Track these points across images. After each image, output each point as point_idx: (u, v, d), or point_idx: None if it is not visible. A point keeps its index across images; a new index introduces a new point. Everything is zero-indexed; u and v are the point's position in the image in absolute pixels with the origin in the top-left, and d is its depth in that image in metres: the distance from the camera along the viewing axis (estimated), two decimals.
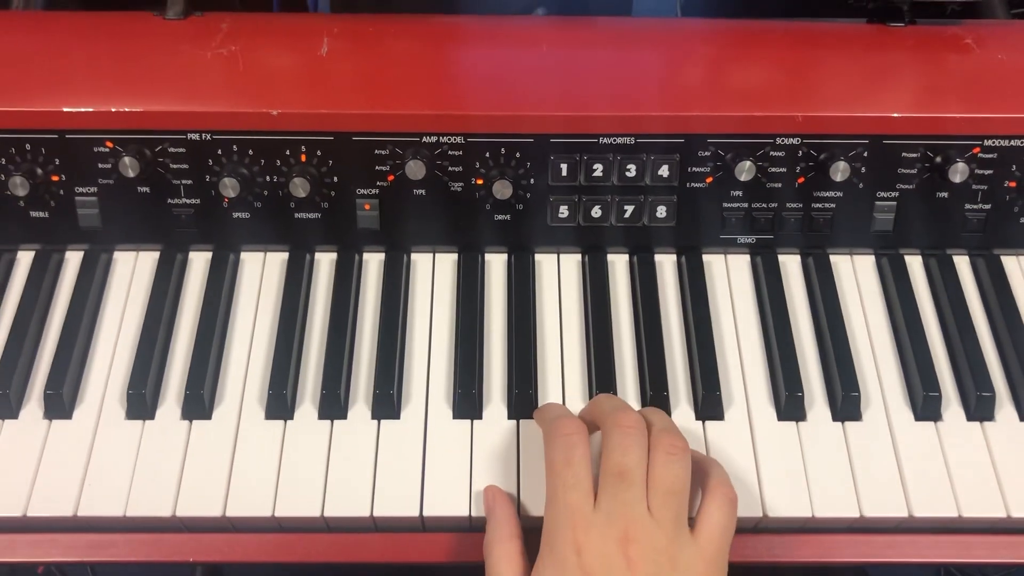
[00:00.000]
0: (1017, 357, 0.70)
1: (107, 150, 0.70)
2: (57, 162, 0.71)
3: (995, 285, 0.74)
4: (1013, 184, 0.72)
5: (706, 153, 0.71)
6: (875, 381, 0.70)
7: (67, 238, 0.75)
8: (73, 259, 0.75)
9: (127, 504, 0.63)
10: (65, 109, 0.68)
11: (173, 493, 0.64)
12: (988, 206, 0.73)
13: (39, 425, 0.67)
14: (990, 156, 0.71)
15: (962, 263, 0.76)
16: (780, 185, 0.72)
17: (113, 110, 0.69)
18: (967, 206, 0.73)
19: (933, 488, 0.64)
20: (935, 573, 1.37)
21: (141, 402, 0.67)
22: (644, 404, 0.68)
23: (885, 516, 0.64)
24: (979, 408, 0.67)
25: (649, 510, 0.55)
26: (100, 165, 0.71)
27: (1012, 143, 0.70)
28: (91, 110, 0.68)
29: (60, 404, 0.67)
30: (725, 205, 0.73)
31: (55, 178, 0.71)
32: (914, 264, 0.76)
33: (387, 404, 0.67)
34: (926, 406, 0.67)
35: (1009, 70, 0.73)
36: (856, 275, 0.75)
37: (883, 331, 0.72)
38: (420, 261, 0.76)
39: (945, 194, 0.73)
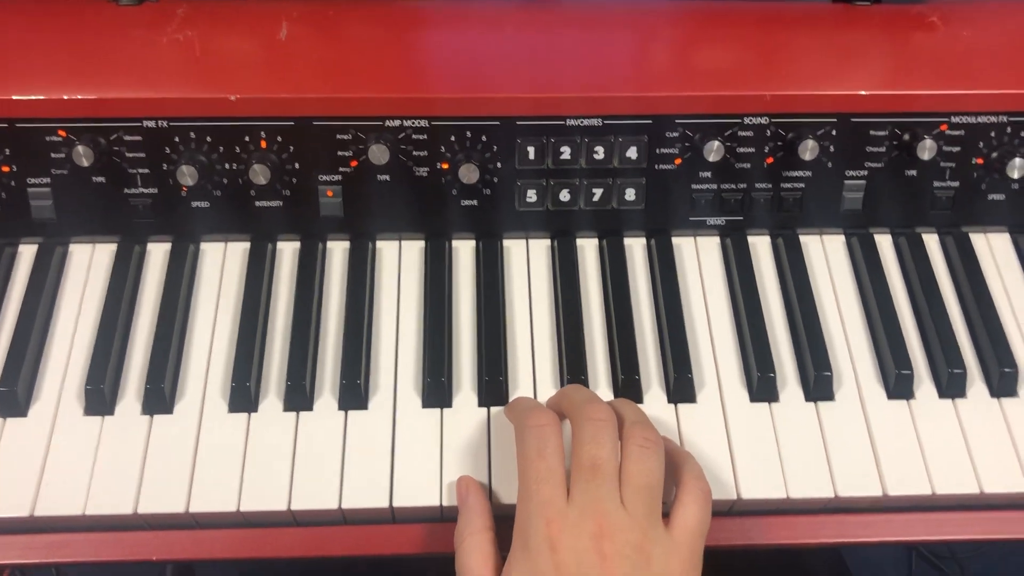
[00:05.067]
0: (987, 334, 0.70)
1: (60, 139, 0.68)
2: (7, 152, 0.68)
3: (964, 262, 0.74)
4: (980, 161, 0.72)
5: (674, 134, 0.70)
6: (847, 360, 0.69)
7: (20, 231, 0.72)
8: (27, 252, 0.73)
9: (86, 503, 0.61)
10: (15, 97, 0.66)
11: (134, 490, 0.62)
12: (956, 183, 0.73)
13: None
14: (957, 133, 0.71)
15: (931, 241, 0.76)
16: (749, 165, 0.72)
17: (65, 98, 0.66)
18: (935, 183, 0.73)
19: (906, 466, 0.64)
20: (907, 553, 1.38)
21: (100, 397, 0.65)
22: (616, 388, 0.67)
23: (859, 496, 0.63)
24: (951, 385, 0.67)
25: (623, 503, 0.54)
26: (53, 155, 0.69)
27: (979, 120, 0.70)
28: (42, 98, 0.66)
29: (14, 401, 0.65)
30: (694, 187, 0.73)
31: (6, 169, 0.69)
32: (884, 243, 0.76)
33: (354, 394, 0.66)
34: (898, 384, 0.67)
35: (974, 47, 0.73)
36: (826, 254, 0.75)
37: (854, 310, 0.72)
38: (386, 249, 0.74)
39: (913, 172, 0.73)
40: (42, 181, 0.70)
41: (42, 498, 0.62)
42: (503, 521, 0.60)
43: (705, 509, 0.57)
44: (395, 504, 0.62)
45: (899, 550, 1.40)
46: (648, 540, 0.53)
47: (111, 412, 0.65)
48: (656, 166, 0.71)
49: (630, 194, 0.72)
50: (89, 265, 0.73)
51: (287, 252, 0.74)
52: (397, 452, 0.64)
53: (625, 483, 0.55)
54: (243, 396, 0.65)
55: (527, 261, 0.74)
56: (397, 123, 0.69)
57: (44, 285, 0.70)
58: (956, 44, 0.73)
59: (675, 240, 0.75)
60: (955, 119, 0.70)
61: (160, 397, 0.65)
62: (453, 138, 0.69)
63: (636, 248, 0.75)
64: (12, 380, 0.65)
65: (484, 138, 0.70)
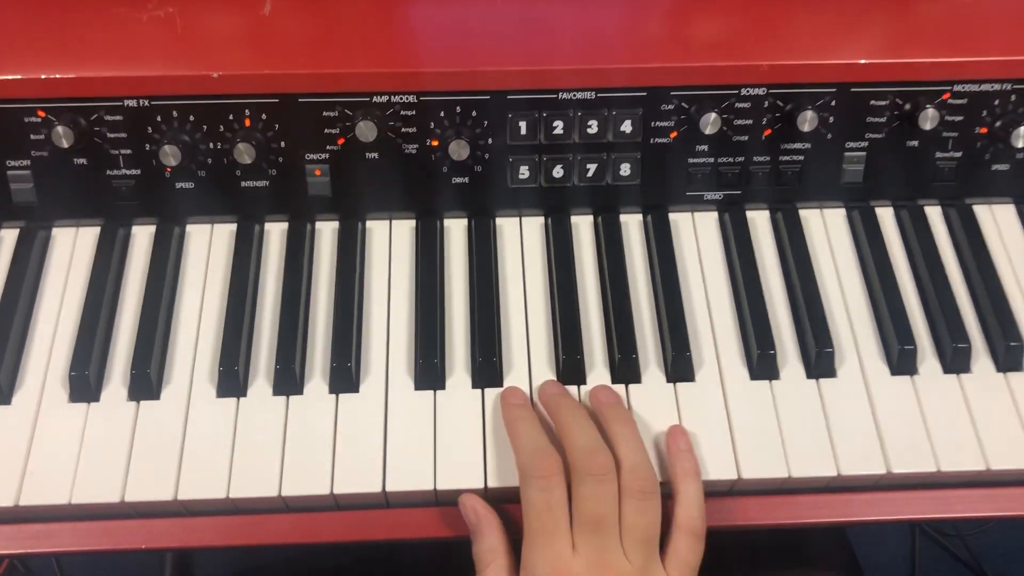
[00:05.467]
0: (992, 307, 0.68)
1: (39, 120, 0.66)
2: None
3: (968, 235, 0.72)
4: (984, 130, 0.70)
5: (670, 106, 0.68)
6: (849, 336, 0.68)
7: (0, 215, 0.71)
8: (8, 237, 0.71)
9: (72, 491, 0.60)
10: None
11: (121, 478, 0.61)
12: (959, 154, 0.71)
13: None
14: (960, 102, 0.69)
15: (934, 214, 0.74)
16: (746, 138, 0.70)
17: (43, 77, 0.65)
18: (938, 154, 0.71)
19: (911, 443, 0.63)
20: (911, 529, 1.37)
21: (85, 384, 0.64)
22: (612, 368, 0.66)
23: (863, 474, 0.62)
24: (955, 360, 0.66)
25: (624, 554, 0.56)
26: (32, 136, 0.67)
27: (982, 87, 0.68)
28: (19, 77, 0.65)
29: None
30: (691, 160, 0.71)
31: None
32: (885, 216, 0.74)
33: (345, 377, 0.64)
34: (901, 360, 0.66)
35: (978, 13, 0.71)
36: (827, 229, 0.73)
37: (856, 285, 0.70)
38: (376, 229, 0.73)
39: (915, 142, 0.71)
40: (22, 163, 0.68)
41: (27, 487, 0.60)
42: (498, 503, 0.59)
43: (699, 546, 0.59)
44: (388, 489, 0.60)
45: (902, 527, 1.39)
46: None
47: (96, 399, 0.64)
48: (651, 140, 0.70)
49: (625, 169, 0.71)
50: (72, 249, 0.71)
51: (275, 233, 0.72)
52: (390, 436, 0.63)
53: (626, 533, 0.57)
54: (231, 381, 0.64)
55: (520, 239, 0.73)
56: (385, 99, 0.67)
57: (26, 270, 0.69)
58: (959, 10, 0.71)
59: (672, 216, 0.73)
60: (958, 87, 0.68)
61: (146, 383, 0.64)
62: (442, 114, 0.68)
63: (632, 224, 0.73)
64: None
65: (474, 113, 0.68)
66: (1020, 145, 0.69)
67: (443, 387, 0.65)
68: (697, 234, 0.73)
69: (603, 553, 0.56)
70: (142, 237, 0.72)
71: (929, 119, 0.68)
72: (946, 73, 0.68)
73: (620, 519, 0.57)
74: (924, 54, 0.68)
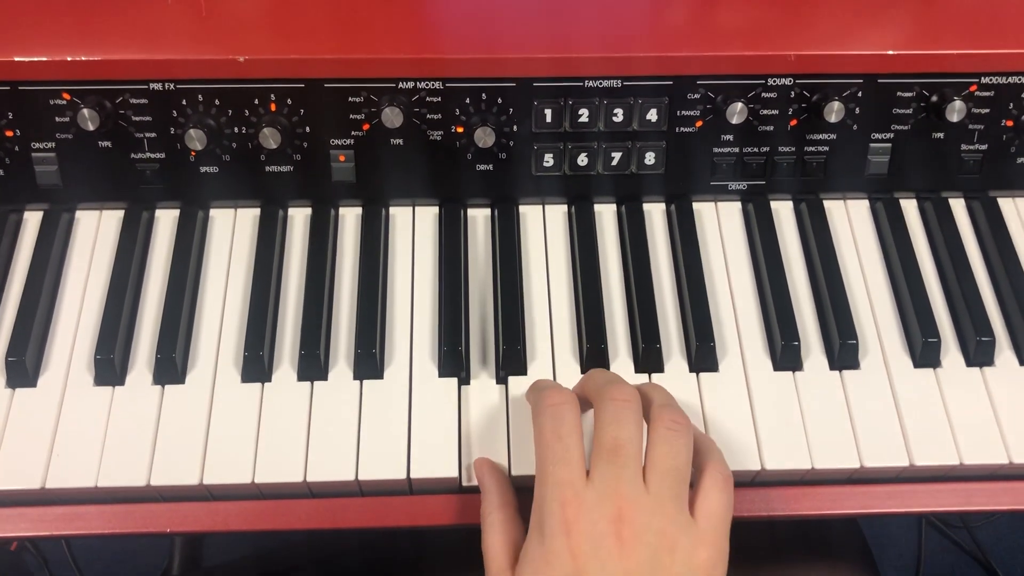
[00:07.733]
0: (1016, 300, 0.68)
1: (64, 102, 0.66)
2: (10, 116, 0.67)
3: (992, 228, 0.72)
4: (1010, 123, 0.70)
5: (696, 96, 0.68)
6: (872, 328, 0.68)
7: (25, 197, 0.71)
8: (32, 219, 0.71)
9: (98, 474, 0.60)
10: (17, 59, 0.64)
11: (147, 462, 0.61)
12: (985, 146, 0.71)
13: (2, 394, 0.63)
14: (987, 94, 0.69)
15: (958, 206, 0.74)
16: (772, 128, 0.70)
17: (69, 59, 0.64)
18: (963, 146, 0.71)
19: (934, 436, 0.63)
20: (918, 520, 1.38)
21: (110, 368, 0.64)
22: (636, 357, 0.66)
23: (885, 466, 0.62)
24: (979, 353, 0.66)
25: (646, 487, 0.51)
26: (57, 118, 0.67)
27: (1010, 80, 0.68)
28: (45, 59, 0.64)
29: (23, 371, 0.63)
30: (716, 150, 0.71)
31: (9, 133, 0.67)
32: (909, 208, 0.74)
33: (369, 363, 0.64)
34: (925, 352, 0.66)
35: (1007, 4, 0.70)
36: (850, 220, 0.73)
37: (879, 277, 0.70)
38: (399, 215, 0.73)
39: (941, 134, 0.71)
40: (47, 146, 0.68)
41: (53, 470, 0.61)
42: (524, 492, 0.59)
43: (729, 495, 0.54)
44: (412, 475, 0.61)
45: (909, 517, 1.40)
46: (673, 526, 0.50)
47: (121, 382, 0.64)
48: (677, 129, 0.69)
49: (650, 158, 0.71)
50: (96, 232, 0.71)
51: (299, 219, 0.72)
52: (414, 422, 0.63)
53: (650, 466, 0.52)
54: (256, 366, 0.64)
55: (544, 227, 0.73)
56: (411, 85, 0.67)
57: (50, 253, 0.69)
58: (987, 0, 0.71)
59: (696, 205, 0.73)
60: (985, 79, 0.68)
61: (171, 367, 0.64)
62: (468, 100, 0.67)
63: (656, 214, 0.73)
64: (20, 350, 0.64)
65: (500, 100, 0.68)
66: None
67: (467, 374, 0.65)
68: (721, 224, 0.73)
69: (619, 483, 0.50)
70: (166, 221, 0.72)
71: (956, 111, 0.68)
72: (974, 65, 0.67)
73: (646, 453, 0.52)
74: (952, 45, 0.67)
